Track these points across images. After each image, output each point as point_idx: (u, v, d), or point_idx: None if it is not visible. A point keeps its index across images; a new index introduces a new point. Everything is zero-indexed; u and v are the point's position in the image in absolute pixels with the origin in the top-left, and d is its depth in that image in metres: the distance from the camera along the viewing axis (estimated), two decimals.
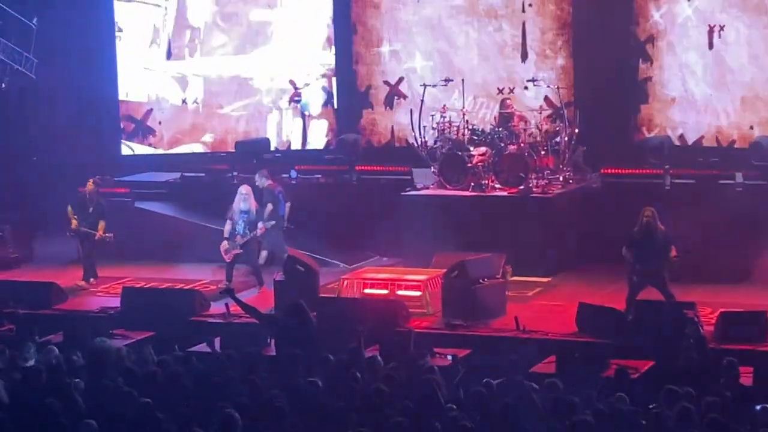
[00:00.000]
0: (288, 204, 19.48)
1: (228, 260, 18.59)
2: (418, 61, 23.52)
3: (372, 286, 17.60)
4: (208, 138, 24.06)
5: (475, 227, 19.29)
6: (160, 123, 23.91)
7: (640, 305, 15.77)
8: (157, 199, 22.11)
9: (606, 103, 21.83)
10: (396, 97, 23.70)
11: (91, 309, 17.73)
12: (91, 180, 19.35)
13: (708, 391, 11.84)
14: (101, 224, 19.02)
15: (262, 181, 19.49)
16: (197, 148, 24.02)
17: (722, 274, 17.90)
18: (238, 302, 15.54)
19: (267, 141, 23.71)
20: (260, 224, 18.49)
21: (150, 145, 23.97)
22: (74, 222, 19.00)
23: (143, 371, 12.60)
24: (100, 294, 18.02)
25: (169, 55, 23.86)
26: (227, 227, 18.68)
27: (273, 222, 18.71)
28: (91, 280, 19.20)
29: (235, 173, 21.95)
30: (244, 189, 18.85)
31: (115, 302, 17.80)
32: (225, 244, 18.61)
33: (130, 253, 19.52)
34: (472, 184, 20.02)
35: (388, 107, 23.82)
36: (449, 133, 20.56)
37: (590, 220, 19.81)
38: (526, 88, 21.82)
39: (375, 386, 11.68)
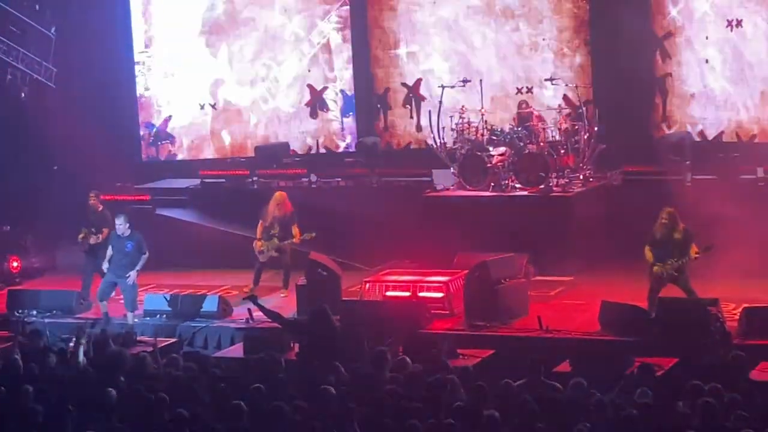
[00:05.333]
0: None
1: (262, 261, 18.54)
2: (435, 62, 23.53)
3: (394, 289, 17.59)
4: (227, 143, 24.12)
5: (496, 227, 19.26)
6: (179, 129, 24.00)
7: (663, 302, 15.72)
8: (177, 205, 22.17)
9: (625, 100, 21.81)
10: (414, 99, 23.73)
11: (115, 316, 17.77)
12: (92, 194, 19.32)
13: (733, 387, 11.80)
14: (104, 231, 18.93)
15: (125, 226, 17.76)
16: (217, 153, 24.08)
17: (745, 269, 17.80)
18: (261, 308, 15.51)
19: (286, 145, 23.75)
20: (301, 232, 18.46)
21: (169, 151, 24.04)
22: (81, 235, 18.97)
23: (170, 376, 12.63)
24: (123, 301, 18.04)
25: (187, 61, 23.91)
26: (260, 228, 18.65)
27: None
28: None
29: (255, 178, 21.98)
30: (280, 196, 18.82)
31: (139, 309, 17.87)
32: (259, 244, 18.59)
33: (151, 260, 19.51)
34: (492, 184, 20.00)
35: (406, 109, 23.86)
36: (468, 134, 20.55)
37: (611, 218, 19.75)
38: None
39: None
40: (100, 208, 19.18)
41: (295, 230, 18.60)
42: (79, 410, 11.32)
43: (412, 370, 12.80)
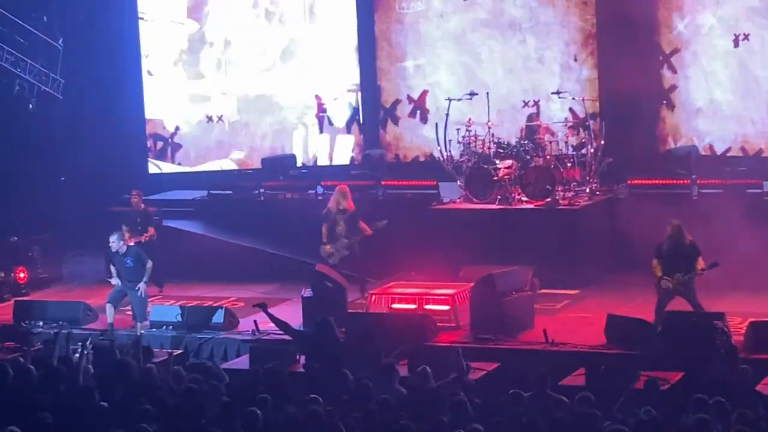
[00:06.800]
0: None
1: (333, 263, 18.45)
2: (442, 75, 23.56)
3: (400, 301, 17.57)
4: (234, 155, 24.16)
5: (502, 240, 19.26)
6: (186, 141, 24.05)
7: (669, 316, 15.71)
8: (184, 217, 22.19)
9: (631, 113, 21.80)
10: (419, 112, 23.77)
11: (121, 328, 17.79)
12: (134, 192, 19.84)
13: (740, 401, 11.79)
14: (150, 230, 19.47)
15: (119, 244, 17.60)
16: (224, 165, 24.12)
17: (751, 283, 17.81)
18: (271, 317, 15.46)
19: (293, 157, 23.78)
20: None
21: (177, 163, 24.09)
22: (127, 235, 19.26)
23: (177, 388, 12.64)
24: (128, 313, 18.07)
25: (194, 74, 23.98)
26: (324, 231, 18.55)
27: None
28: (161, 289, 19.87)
29: (261, 190, 22.00)
30: (343, 189, 18.75)
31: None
32: (328, 248, 18.47)
33: (158, 272, 19.59)
34: (499, 197, 20.01)
35: (413, 122, 23.90)
36: (475, 146, 20.58)
37: (617, 232, 19.76)
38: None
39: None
40: (142, 207, 19.70)
41: (362, 225, 18.47)
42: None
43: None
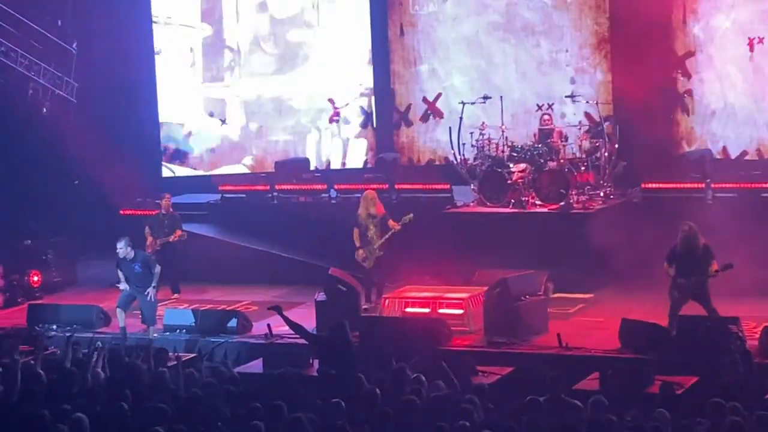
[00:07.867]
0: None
1: (368, 267, 18.48)
2: (456, 78, 23.54)
3: (414, 305, 17.56)
4: (247, 158, 24.17)
5: (515, 244, 19.22)
6: (199, 144, 24.06)
7: (684, 320, 15.67)
8: (197, 220, 22.17)
9: (646, 117, 21.75)
10: (432, 115, 23.75)
11: (134, 332, 17.80)
12: (166, 195, 20.02)
13: (755, 406, 11.74)
14: (177, 232, 19.58)
15: (127, 250, 17.51)
16: (237, 168, 24.12)
17: (766, 287, 17.74)
18: (286, 320, 15.36)
19: (306, 161, 23.78)
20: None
21: (190, 166, 24.11)
22: (149, 239, 19.32)
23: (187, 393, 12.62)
24: (140, 317, 18.07)
25: (208, 77, 24.00)
26: (356, 235, 18.55)
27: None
28: (175, 295, 19.85)
29: (274, 193, 21.99)
30: (370, 194, 18.73)
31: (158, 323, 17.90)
32: (361, 252, 18.47)
33: (176, 275, 19.61)
34: (513, 200, 19.98)
35: (426, 125, 23.88)
36: (489, 150, 20.55)
37: (631, 236, 19.67)
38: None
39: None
40: (171, 210, 19.85)
41: (391, 223, 18.47)
42: None
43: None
